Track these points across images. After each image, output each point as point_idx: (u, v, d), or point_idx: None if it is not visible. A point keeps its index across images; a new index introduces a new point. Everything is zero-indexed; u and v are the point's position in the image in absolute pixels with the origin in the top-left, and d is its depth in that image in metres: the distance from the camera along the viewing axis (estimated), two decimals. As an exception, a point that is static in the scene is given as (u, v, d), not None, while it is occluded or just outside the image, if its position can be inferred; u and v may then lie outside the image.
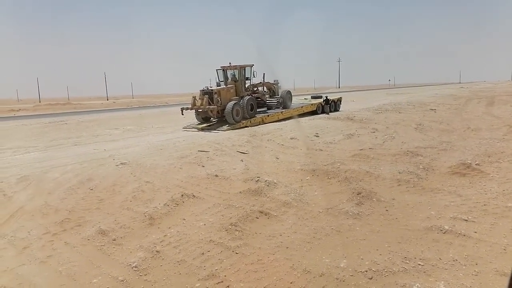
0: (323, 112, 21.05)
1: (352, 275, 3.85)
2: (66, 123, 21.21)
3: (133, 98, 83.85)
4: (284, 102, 19.44)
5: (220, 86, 17.45)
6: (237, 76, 17.66)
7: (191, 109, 16.57)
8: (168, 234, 5.08)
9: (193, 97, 16.67)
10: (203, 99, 15.95)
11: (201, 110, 16.22)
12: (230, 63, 17.70)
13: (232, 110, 15.48)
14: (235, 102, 16.04)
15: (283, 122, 16.88)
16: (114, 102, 57.59)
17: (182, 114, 17.10)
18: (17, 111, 39.96)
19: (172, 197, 6.39)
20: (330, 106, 21.76)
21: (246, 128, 15.23)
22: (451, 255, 4.14)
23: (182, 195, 6.43)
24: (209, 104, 15.70)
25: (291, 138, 11.90)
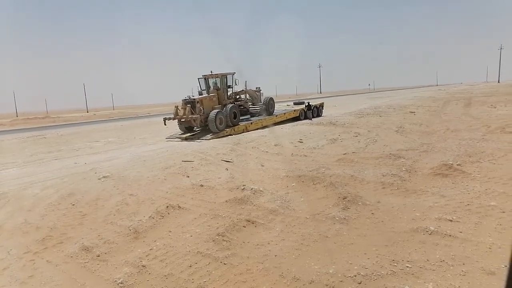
0: (305, 118, 21.20)
1: (341, 281, 3.84)
2: (45, 137, 20.75)
3: (113, 109, 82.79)
4: (267, 109, 19.52)
5: (202, 95, 17.38)
6: (219, 85, 17.64)
7: (174, 119, 16.42)
8: (154, 248, 4.97)
9: (175, 107, 16.53)
10: (185, 109, 15.85)
11: (184, 120, 16.09)
12: (211, 72, 17.66)
13: (215, 119, 15.45)
14: (218, 110, 16.00)
15: (267, 129, 16.91)
16: (94, 114, 56.72)
17: (165, 124, 16.86)
18: (-6, 126, 38.88)
19: (157, 209, 6.28)
20: (312, 111, 21.95)
21: (230, 136, 15.20)
22: (438, 256, 4.18)
23: (167, 207, 6.33)
24: (192, 114, 15.64)
25: (275, 145, 11.91)
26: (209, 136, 15.16)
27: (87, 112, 70.91)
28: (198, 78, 17.94)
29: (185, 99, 16.29)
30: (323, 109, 23.56)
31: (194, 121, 15.63)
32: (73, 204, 6.78)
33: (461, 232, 4.76)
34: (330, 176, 7.64)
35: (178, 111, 16.24)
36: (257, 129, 17.22)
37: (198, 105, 15.82)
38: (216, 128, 15.53)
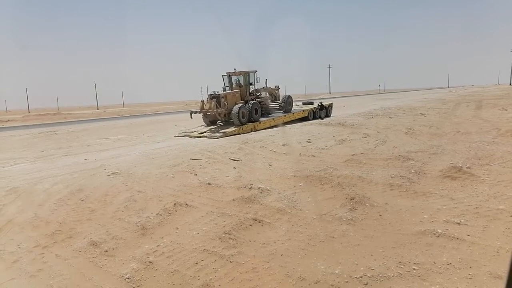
0: (314, 118, 21.21)
1: (347, 282, 3.83)
2: (56, 133, 20.99)
3: (123, 107, 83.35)
4: (285, 106, 20.47)
5: (226, 91, 18.34)
6: (241, 82, 18.53)
7: (200, 112, 17.51)
8: (161, 244, 5.02)
9: (201, 101, 17.90)
10: (211, 103, 17.03)
11: (209, 114, 17.22)
12: (235, 69, 18.58)
13: (238, 112, 16.39)
14: (241, 105, 16.94)
15: (275, 128, 16.96)
16: (104, 111, 57.18)
17: (191, 117, 17.97)
18: (6, 121, 39.40)
19: (164, 206, 6.33)
20: (321, 111, 22.02)
21: (238, 135, 15.28)
22: (445, 259, 4.15)
23: (174, 204, 6.37)
24: (217, 108, 16.76)
25: (283, 145, 11.91)
26: (217, 134, 15.29)
27: (98, 109, 71.58)
28: (222, 75, 18.79)
29: (211, 94, 17.45)
30: (332, 109, 23.51)
31: (219, 115, 16.84)
32: (82, 200, 6.86)
33: (469, 235, 4.72)
34: (338, 177, 7.62)
35: (204, 105, 17.41)
36: (265, 128, 17.30)
37: (222, 100, 16.90)
38: (239, 121, 16.46)
